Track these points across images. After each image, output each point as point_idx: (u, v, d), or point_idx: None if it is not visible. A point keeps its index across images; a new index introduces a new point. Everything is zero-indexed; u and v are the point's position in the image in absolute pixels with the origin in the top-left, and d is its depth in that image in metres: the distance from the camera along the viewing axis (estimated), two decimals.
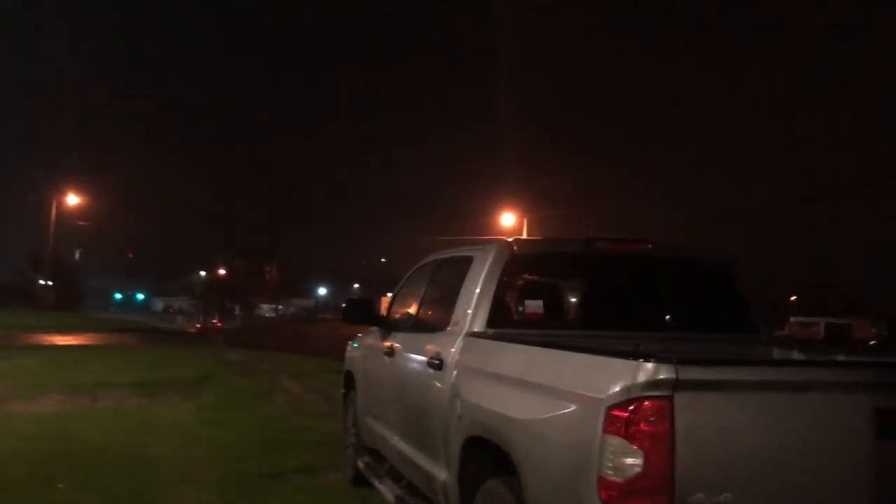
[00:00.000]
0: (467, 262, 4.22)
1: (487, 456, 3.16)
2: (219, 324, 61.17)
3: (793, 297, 54.97)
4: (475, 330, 3.83)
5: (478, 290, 3.94)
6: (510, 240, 4.23)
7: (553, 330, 3.83)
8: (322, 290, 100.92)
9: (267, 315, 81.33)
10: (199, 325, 61.69)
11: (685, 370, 2.31)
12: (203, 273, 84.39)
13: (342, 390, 6.54)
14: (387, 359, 5.00)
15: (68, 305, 63.81)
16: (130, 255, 77.61)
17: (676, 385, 2.30)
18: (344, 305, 5.76)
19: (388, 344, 5.09)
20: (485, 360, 3.55)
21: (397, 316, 5.38)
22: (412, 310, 5.05)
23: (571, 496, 2.49)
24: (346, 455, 6.19)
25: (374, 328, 5.67)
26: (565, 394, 2.65)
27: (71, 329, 30.14)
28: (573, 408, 2.57)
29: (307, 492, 5.74)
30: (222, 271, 79.26)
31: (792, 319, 30.98)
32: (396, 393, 4.73)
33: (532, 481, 2.75)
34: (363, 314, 5.66)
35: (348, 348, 6.51)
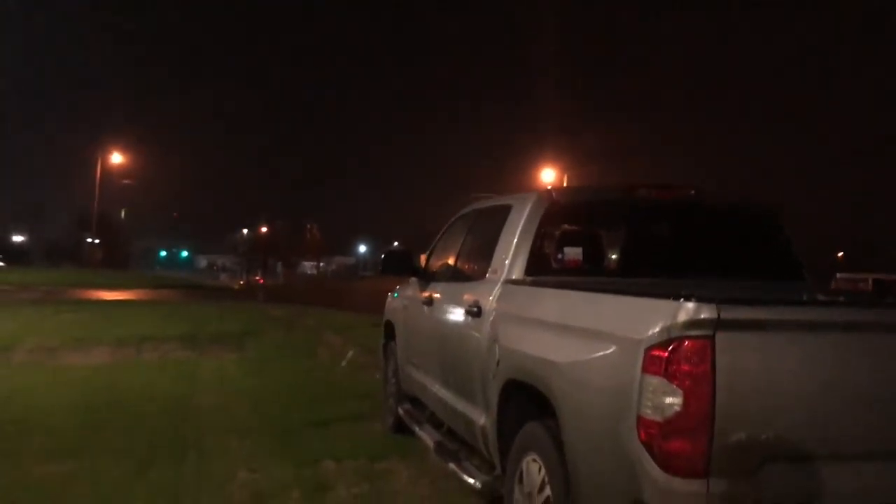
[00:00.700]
0: (506, 210, 4.19)
1: (526, 399, 3.17)
2: (261, 280, 62.08)
3: (840, 254, 53.89)
4: (513, 278, 3.82)
5: (516, 239, 3.92)
6: (549, 187, 4.19)
7: (592, 277, 3.80)
8: (362, 248, 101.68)
9: (308, 272, 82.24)
10: (241, 282, 62.71)
11: (728, 310, 2.27)
12: (245, 231, 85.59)
13: (383, 340, 6.60)
14: (426, 308, 5.03)
15: (115, 263, 65.34)
16: (176, 216, 78.91)
17: (718, 325, 2.26)
18: (383, 257, 5.79)
19: (426, 294, 5.11)
20: (523, 307, 3.55)
21: (436, 266, 5.39)
22: (450, 260, 5.05)
23: (611, 436, 2.49)
24: (387, 404, 6.28)
25: (413, 279, 5.70)
26: (605, 336, 2.63)
27: (118, 285, 30.94)
28: (613, 349, 2.56)
29: (349, 439, 5.84)
30: (264, 229, 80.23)
31: (839, 275, 30.36)
32: (435, 341, 4.76)
33: (571, 423, 2.76)
34: (402, 265, 5.68)
35: (388, 299, 6.56)
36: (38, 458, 5.18)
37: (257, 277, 70.43)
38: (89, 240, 62.17)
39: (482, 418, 3.75)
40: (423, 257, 5.89)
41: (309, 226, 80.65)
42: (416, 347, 5.36)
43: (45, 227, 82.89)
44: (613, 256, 4.33)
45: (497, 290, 3.83)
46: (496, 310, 3.73)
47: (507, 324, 3.56)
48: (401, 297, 6.10)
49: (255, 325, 14.49)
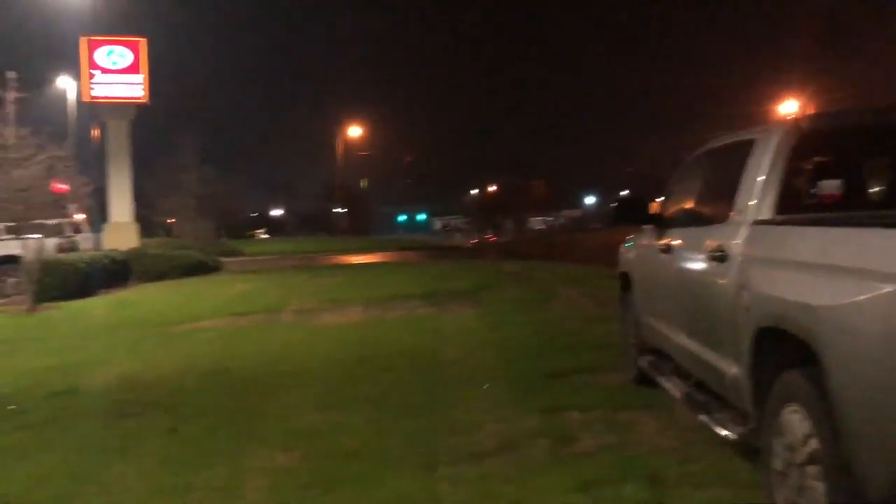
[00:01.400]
0: (747, 146, 3.89)
1: (782, 347, 2.94)
2: (492, 238, 63.57)
3: None
4: (761, 218, 3.55)
5: (763, 175, 3.63)
6: (796, 117, 3.83)
7: (851, 212, 3.43)
8: (589, 200, 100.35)
9: (537, 227, 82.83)
10: (474, 241, 64.59)
11: None
12: (475, 192, 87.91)
13: (619, 291, 6.48)
14: (664, 256, 4.84)
15: (360, 230, 70.15)
16: (407, 160, 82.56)
17: None
18: (615, 205, 5.64)
19: (663, 241, 4.91)
20: (775, 248, 3.28)
21: (671, 212, 5.16)
22: (688, 204, 4.80)
23: (886, 381, 2.24)
24: (628, 355, 6.17)
25: (648, 227, 5.50)
26: (875, 275, 2.36)
27: (363, 250, 33.21)
28: (886, 289, 2.29)
29: (590, 391, 5.81)
30: (492, 188, 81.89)
31: None
32: (676, 290, 4.57)
33: (838, 371, 2.52)
34: (635, 213, 5.50)
35: (622, 249, 6.41)
36: (306, 408, 5.72)
37: (488, 236, 72.27)
38: (336, 210, 67.18)
39: (733, 368, 3.55)
40: (654, 205, 5.67)
41: (535, 181, 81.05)
42: (656, 298, 5.19)
43: (296, 201, 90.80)
44: (873, 189, 3.87)
45: (743, 232, 3.57)
46: (743, 254, 3.49)
47: (757, 268, 3.32)
48: (636, 247, 5.93)
49: (490, 281, 14.86)
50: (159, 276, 18.65)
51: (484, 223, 79.99)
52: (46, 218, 20.18)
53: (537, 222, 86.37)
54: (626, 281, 6.14)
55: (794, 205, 3.54)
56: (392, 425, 5.18)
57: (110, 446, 4.95)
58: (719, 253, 3.70)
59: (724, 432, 3.67)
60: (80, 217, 25.67)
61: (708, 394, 4.19)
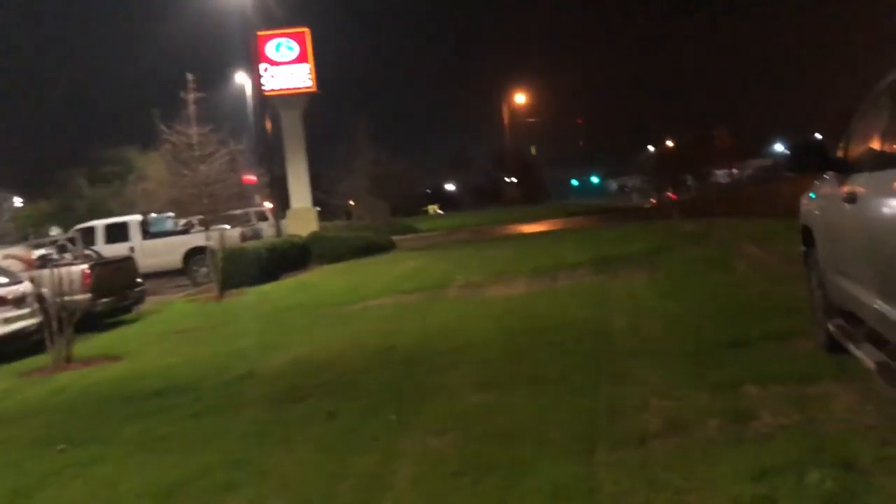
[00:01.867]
0: None
1: None
2: (673, 196, 60.96)
3: None
4: None
5: None
6: None
7: None
8: (779, 147, 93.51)
9: (722, 181, 78.44)
10: (653, 200, 62.29)
11: None
12: (652, 149, 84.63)
13: (802, 248, 5.78)
14: (847, 206, 4.18)
15: (532, 198, 69.81)
16: (579, 121, 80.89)
17: None
18: (789, 152, 4.97)
19: (847, 189, 4.25)
20: None
21: (857, 154, 4.46)
22: (875, 144, 4.11)
23: None
24: (815, 319, 5.50)
25: (830, 174, 4.82)
26: None
27: (534, 218, 32.93)
28: None
29: (775, 360, 5.22)
30: (670, 143, 78.41)
31: None
32: (865, 245, 3.93)
33: None
34: (814, 159, 4.83)
35: (803, 200, 5.70)
36: (466, 388, 5.59)
37: (669, 193, 69.40)
38: (507, 179, 67.26)
39: None
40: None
41: (717, 132, 76.56)
42: (842, 254, 4.51)
43: (469, 174, 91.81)
44: None
45: None
46: None
47: None
48: (818, 197, 5.23)
49: (666, 242, 14.14)
50: (336, 257, 19.42)
51: (663, 181, 76.88)
52: (234, 209, 21.56)
53: (722, 175, 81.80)
54: (808, 236, 5.45)
55: None
56: (552, 405, 4.91)
57: (274, 433, 5.06)
58: None
59: None
60: (265, 206, 27.26)
61: None
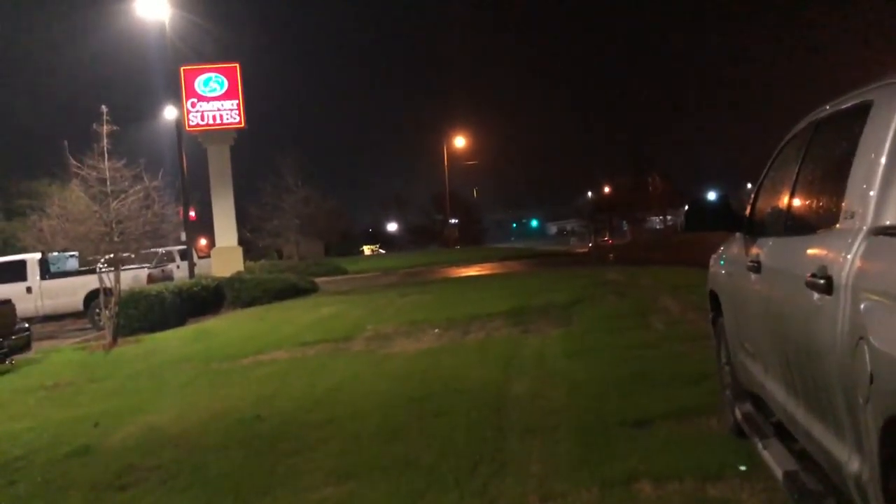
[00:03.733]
0: (863, 112, 2.57)
1: None
2: (609, 241, 61.23)
3: None
4: (886, 223, 2.24)
5: (884, 157, 2.33)
6: None
7: None
8: (711, 195, 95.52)
9: (656, 227, 79.52)
10: (590, 245, 62.56)
11: None
12: (589, 194, 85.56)
13: (711, 315, 5.12)
14: (752, 275, 3.51)
15: (472, 239, 69.55)
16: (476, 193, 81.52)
17: None
18: (686, 209, 4.32)
19: (754, 251, 3.60)
20: None
21: (762, 214, 3.82)
22: (781, 201, 3.45)
23: None
24: (723, 398, 4.82)
25: (738, 234, 4.17)
26: None
27: (468, 261, 32.25)
28: None
29: (678, 446, 4.50)
30: (607, 189, 79.39)
31: None
32: (769, 325, 3.24)
33: None
34: (712, 219, 4.19)
35: (712, 259, 5.04)
36: (322, 476, 4.73)
37: (605, 238, 69.88)
38: (451, 221, 66.83)
39: (854, 463, 2.25)
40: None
41: (651, 178, 77.82)
42: (748, 330, 3.82)
43: (409, 214, 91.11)
44: None
45: (857, 246, 2.27)
46: (857, 281, 2.19)
47: (881, 308, 2.03)
48: (727, 260, 4.57)
49: (587, 292, 13.54)
50: (251, 301, 18.29)
51: (600, 225, 77.51)
52: (149, 248, 20.26)
53: (656, 221, 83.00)
54: (715, 302, 4.79)
55: None
56: (413, 502, 4.10)
57: None
58: (820, 279, 2.40)
59: None
60: (181, 246, 25.94)
61: (825, 477, 2.87)
